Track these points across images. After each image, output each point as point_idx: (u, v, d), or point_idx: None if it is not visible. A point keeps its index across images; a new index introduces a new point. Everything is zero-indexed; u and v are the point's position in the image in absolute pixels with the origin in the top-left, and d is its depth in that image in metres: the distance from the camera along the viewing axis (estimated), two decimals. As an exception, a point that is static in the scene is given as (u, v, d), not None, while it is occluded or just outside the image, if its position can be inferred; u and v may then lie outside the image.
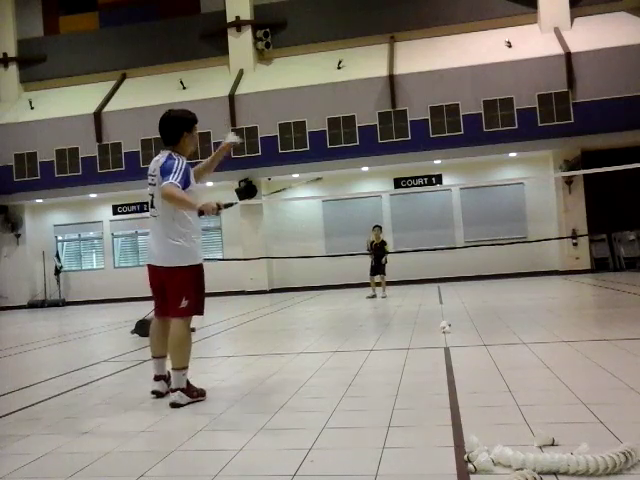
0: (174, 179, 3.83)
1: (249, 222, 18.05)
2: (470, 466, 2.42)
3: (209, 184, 17.55)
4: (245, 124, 17.73)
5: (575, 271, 16.37)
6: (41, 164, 19.06)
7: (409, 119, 16.94)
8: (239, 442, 3.03)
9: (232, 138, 4.48)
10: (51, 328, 11.47)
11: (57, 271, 19.35)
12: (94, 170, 18.70)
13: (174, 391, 3.95)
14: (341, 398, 3.81)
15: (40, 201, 19.54)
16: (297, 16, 19.11)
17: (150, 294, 4.24)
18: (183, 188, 3.86)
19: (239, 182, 17.64)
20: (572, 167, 15.92)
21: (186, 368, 4.00)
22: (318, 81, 17.63)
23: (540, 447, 2.60)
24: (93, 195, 19.25)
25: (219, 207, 3.91)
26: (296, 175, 17.93)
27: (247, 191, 17.55)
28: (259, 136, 17.65)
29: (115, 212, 19.71)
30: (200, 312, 4.16)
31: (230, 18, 19.14)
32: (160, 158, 4.06)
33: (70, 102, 19.66)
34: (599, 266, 16.74)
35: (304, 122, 17.50)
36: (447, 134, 16.73)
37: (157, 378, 4.24)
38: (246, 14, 19.13)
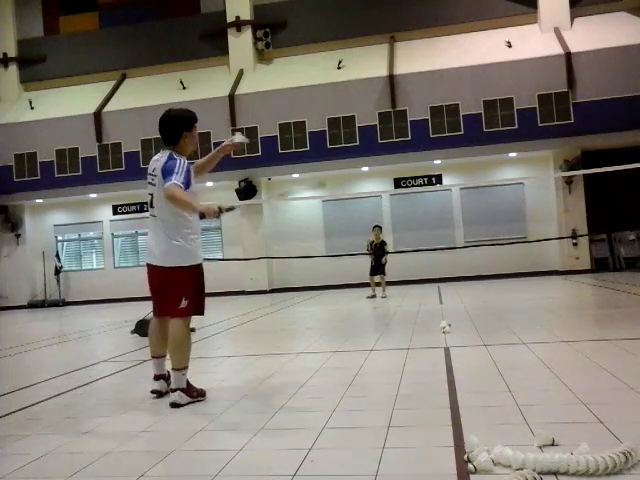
0: (177, 180, 3.82)
1: (249, 222, 18.05)
2: (470, 466, 2.42)
3: (209, 184, 17.56)
4: (245, 124, 17.72)
5: (575, 271, 16.37)
6: (41, 164, 19.06)
7: (409, 119, 16.94)
8: (239, 442, 3.03)
9: (240, 138, 4.47)
10: (51, 328, 11.47)
11: (57, 271, 19.35)
12: (94, 170, 18.70)
13: (174, 391, 3.95)
14: (341, 398, 3.81)
15: (40, 201, 19.54)
16: (297, 16, 19.11)
17: (150, 294, 4.24)
18: (185, 188, 3.85)
19: (239, 182, 17.64)
20: (572, 167, 15.91)
21: (186, 368, 4.00)
22: (318, 81, 17.63)
23: (540, 447, 2.60)
24: (93, 195, 19.26)
25: (220, 211, 3.90)
26: (296, 175, 17.93)
27: (247, 191, 17.56)
28: (259, 136, 17.65)
29: (115, 212, 19.71)
30: (200, 312, 4.16)
31: (230, 18, 19.14)
32: (160, 158, 4.04)
33: (70, 102, 19.66)
34: (599, 266, 16.73)
35: (304, 122, 17.50)
36: (447, 134, 16.73)
37: (157, 377, 4.24)
38: (246, 14, 19.13)
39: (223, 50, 19.29)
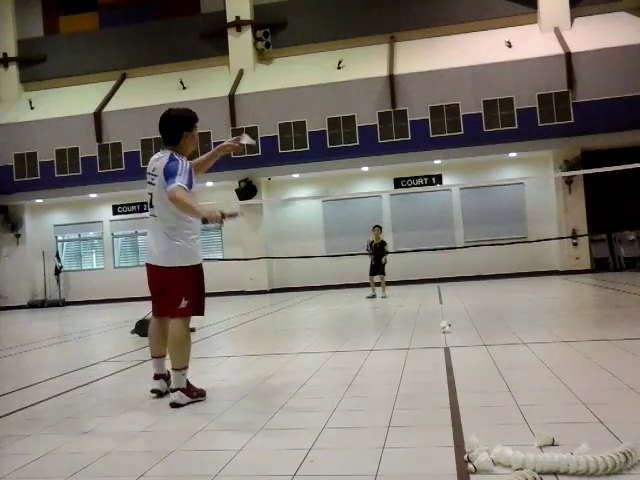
0: (181, 181, 3.81)
1: (249, 222, 18.04)
2: (470, 466, 2.42)
3: (209, 184, 17.56)
4: (245, 124, 17.72)
5: (575, 271, 16.37)
6: (41, 164, 19.06)
7: (409, 119, 16.95)
8: (239, 442, 3.03)
9: (248, 140, 4.47)
10: (51, 328, 11.47)
11: (57, 271, 19.35)
12: (94, 170, 18.70)
13: (174, 391, 3.95)
14: (341, 398, 3.81)
15: (40, 201, 19.54)
16: (297, 16, 19.11)
17: (149, 294, 4.23)
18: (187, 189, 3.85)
19: (239, 182, 17.64)
20: (572, 167, 15.91)
21: (186, 368, 4.00)
22: (318, 81, 17.63)
23: (540, 447, 2.60)
24: (93, 195, 19.26)
25: (223, 216, 3.89)
26: (296, 175, 17.93)
27: (247, 191, 17.56)
28: (259, 136, 17.64)
29: (115, 212, 19.71)
30: (200, 312, 4.16)
31: (230, 18, 19.14)
32: (161, 158, 4.02)
33: (70, 102, 19.66)
34: (599, 266, 16.73)
35: (304, 122, 17.50)
36: (447, 134, 16.73)
37: (157, 377, 4.24)
38: (246, 14, 19.13)
39: (223, 50, 19.29)
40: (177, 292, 3.98)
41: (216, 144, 4.79)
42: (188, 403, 3.93)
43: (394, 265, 14.58)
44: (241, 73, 18.89)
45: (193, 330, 6.89)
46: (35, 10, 20.93)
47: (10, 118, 19.67)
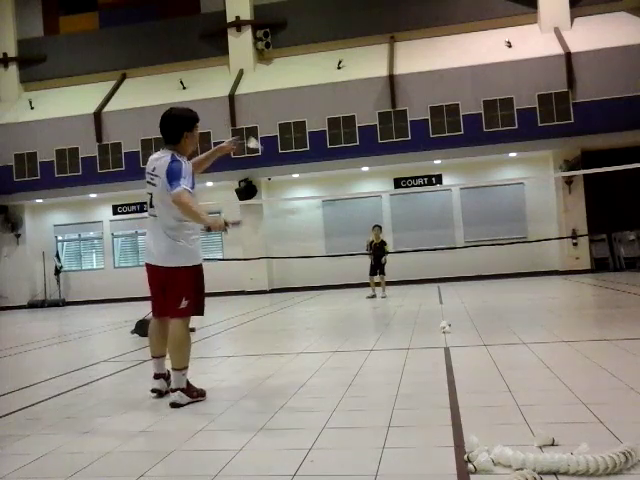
0: (186, 184, 3.81)
1: (249, 222, 18.04)
2: (470, 466, 2.42)
3: (209, 184, 17.56)
4: (245, 124, 17.73)
5: (575, 271, 16.37)
6: (41, 164, 19.06)
7: (409, 119, 16.95)
8: (239, 442, 3.03)
9: (255, 144, 4.46)
10: (51, 328, 11.47)
11: (57, 271, 19.35)
12: (94, 170, 18.70)
13: (174, 391, 3.95)
14: (341, 398, 3.81)
15: (40, 201, 19.54)
16: (297, 16, 19.11)
17: (149, 294, 4.23)
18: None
19: (239, 182, 17.64)
20: (572, 167, 15.92)
21: (186, 368, 3.99)
22: (318, 81, 17.63)
23: (540, 447, 2.60)
24: (93, 195, 19.26)
25: (226, 224, 3.90)
26: (296, 175, 17.93)
27: (247, 191, 17.56)
28: (259, 136, 17.63)
29: (115, 212, 19.71)
30: (200, 313, 4.16)
31: (230, 18, 19.14)
32: (162, 157, 4.00)
33: (70, 102, 19.66)
34: (599, 266, 16.73)
35: (304, 122, 17.50)
36: (447, 134, 16.73)
37: (157, 376, 4.24)
38: (246, 14, 19.13)
39: (223, 50, 19.29)
40: (177, 292, 3.98)
41: (216, 144, 4.79)
42: (188, 403, 3.93)
43: (394, 265, 14.58)
44: (241, 73, 18.90)
45: (193, 330, 6.90)
46: (35, 10, 20.93)
47: (10, 118, 19.68)
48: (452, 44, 17.79)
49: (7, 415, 4.03)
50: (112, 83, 20.00)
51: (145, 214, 4.23)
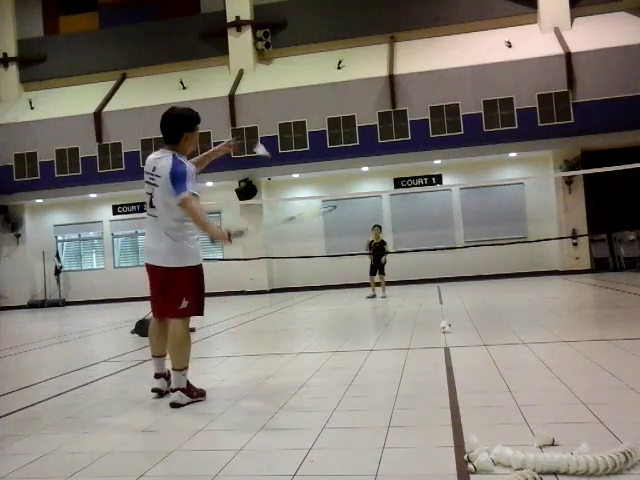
0: (192, 188, 3.84)
1: (249, 222, 18.02)
2: (470, 466, 2.42)
3: (209, 184, 17.56)
4: (245, 124, 17.73)
5: (575, 271, 16.37)
6: (41, 164, 19.06)
7: (409, 119, 16.95)
8: (239, 442, 3.02)
9: (263, 151, 4.46)
10: (51, 328, 11.47)
11: (57, 271, 19.36)
12: (94, 170, 18.70)
13: (174, 391, 3.95)
14: (341, 398, 3.81)
15: (40, 201, 19.54)
16: (297, 16, 19.11)
17: (150, 294, 4.23)
18: None
19: (239, 182, 17.64)
20: (572, 167, 15.91)
21: (186, 368, 3.99)
22: (318, 81, 17.63)
23: (540, 447, 2.60)
24: (93, 195, 19.26)
25: (229, 235, 3.91)
26: (296, 175, 17.92)
27: (247, 191, 17.55)
28: (259, 136, 17.64)
29: (115, 212, 19.71)
30: (200, 313, 4.15)
31: (230, 18, 19.14)
32: (163, 158, 3.98)
33: (70, 102, 19.67)
34: (599, 266, 16.73)
35: (304, 122, 17.50)
36: (447, 134, 16.73)
37: (157, 376, 4.24)
38: (246, 14, 19.13)
39: (223, 50, 19.29)
40: (178, 292, 3.98)
41: (216, 144, 4.79)
42: (188, 403, 3.93)
43: (394, 265, 14.58)
44: (241, 73, 18.90)
45: (193, 330, 6.90)
46: (35, 10, 20.93)
47: (10, 118, 19.68)
48: (452, 44, 17.79)
49: (7, 415, 4.02)
50: (112, 83, 20.00)
51: (145, 214, 4.22)
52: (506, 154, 16.89)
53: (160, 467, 2.76)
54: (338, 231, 18.03)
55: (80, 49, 20.44)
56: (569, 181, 16.59)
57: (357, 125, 17.22)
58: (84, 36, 20.48)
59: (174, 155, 3.97)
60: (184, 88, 18.71)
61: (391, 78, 17.05)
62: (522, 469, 2.31)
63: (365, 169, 17.66)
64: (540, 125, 16.28)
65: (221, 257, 18.51)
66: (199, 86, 18.61)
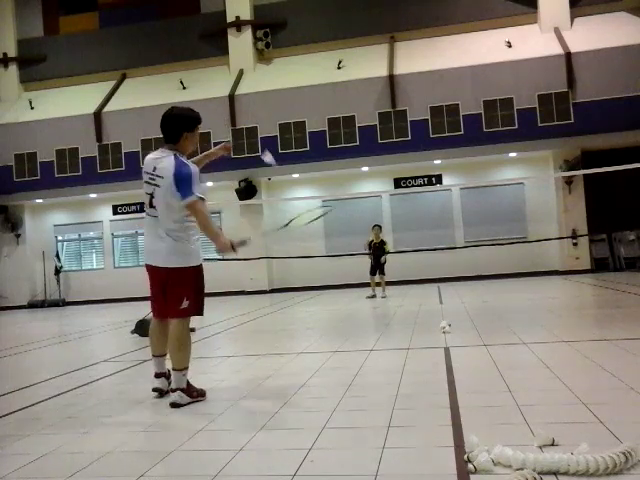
0: (199, 192, 3.85)
1: (249, 222, 18.04)
2: (470, 466, 2.42)
3: (209, 184, 17.53)
4: (245, 124, 17.73)
5: (575, 271, 16.37)
6: (41, 164, 19.07)
7: (409, 119, 16.95)
8: (239, 442, 3.03)
9: (270, 159, 4.47)
10: (51, 328, 11.46)
11: (57, 271, 19.36)
12: (94, 170, 18.70)
13: (174, 391, 3.95)
14: (341, 398, 3.81)
15: (40, 201, 19.54)
16: (297, 16, 19.11)
17: (150, 295, 4.23)
18: None
19: (239, 182, 17.64)
20: (572, 167, 15.91)
21: (186, 368, 3.99)
22: (318, 81, 17.63)
23: (540, 447, 2.60)
24: (93, 195, 19.26)
25: (233, 246, 3.92)
26: (296, 175, 17.92)
27: (247, 191, 17.55)
28: (259, 136, 17.65)
29: (115, 212, 19.72)
30: (200, 313, 4.15)
31: (230, 18, 19.15)
32: (164, 158, 3.96)
33: (70, 102, 19.67)
34: (599, 266, 16.73)
35: (304, 122, 17.50)
36: (447, 134, 16.73)
37: (158, 375, 4.24)
38: (246, 14, 19.13)
39: (223, 50, 19.29)
40: (178, 292, 3.97)
41: (216, 144, 4.80)
42: (188, 403, 3.93)
43: (394, 265, 14.58)
44: (241, 73, 18.90)
45: (193, 330, 6.90)
46: (35, 10, 20.93)
47: (10, 118, 19.68)
48: (452, 44, 17.79)
49: (7, 415, 4.02)
50: (112, 83, 20.00)
51: (144, 214, 4.21)
52: (506, 154, 16.89)
53: (160, 467, 2.76)
54: (338, 231, 18.03)
55: (80, 49, 20.44)
56: (569, 181, 16.59)
57: (357, 125, 17.22)
58: (84, 36, 20.48)
59: (176, 155, 3.96)
60: (184, 88, 18.72)
61: (391, 78, 17.05)
62: (522, 469, 2.31)
63: (365, 169, 17.66)
64: (540, 125, 16.28)
65: (221, 257, 18.50)
66: (199, 86, 18.61)
